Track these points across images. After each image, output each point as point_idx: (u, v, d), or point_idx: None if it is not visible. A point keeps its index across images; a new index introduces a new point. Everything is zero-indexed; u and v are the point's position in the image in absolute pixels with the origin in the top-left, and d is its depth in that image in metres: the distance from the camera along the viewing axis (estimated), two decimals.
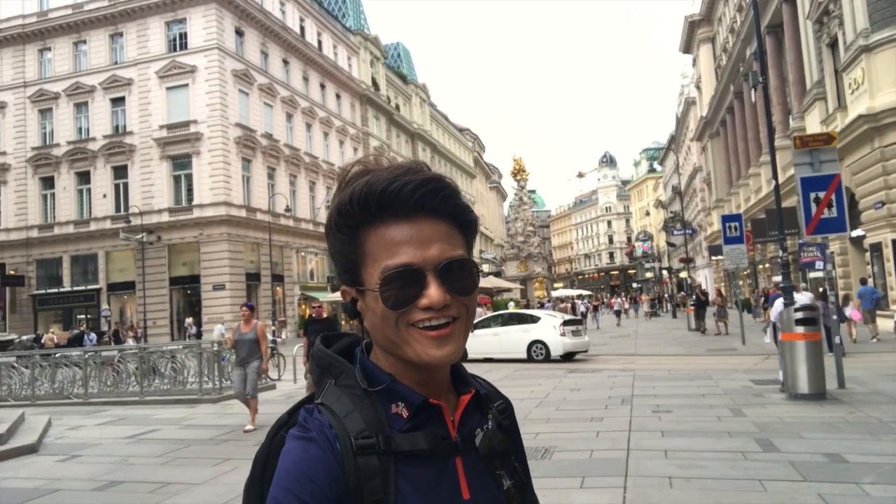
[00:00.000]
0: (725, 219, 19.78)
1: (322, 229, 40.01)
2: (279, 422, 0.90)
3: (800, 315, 9.08)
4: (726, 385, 10.72)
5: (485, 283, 37.05)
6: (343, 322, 21.39)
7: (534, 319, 17.57)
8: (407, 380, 0.88)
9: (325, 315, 9.93)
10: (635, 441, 6.99)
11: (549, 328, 16.76)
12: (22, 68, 36.03)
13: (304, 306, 38.85)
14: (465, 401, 0.92)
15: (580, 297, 49.48)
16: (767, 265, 33.78)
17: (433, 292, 0.83)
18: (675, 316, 38.05)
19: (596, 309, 30.71)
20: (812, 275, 22.41)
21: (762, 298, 22.93)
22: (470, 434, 0.91)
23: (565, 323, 16.89)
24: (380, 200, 0.83)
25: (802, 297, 10.54)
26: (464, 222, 0.90)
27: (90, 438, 9.11)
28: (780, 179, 12.08)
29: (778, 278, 27.58)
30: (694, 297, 26.87)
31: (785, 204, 18.08)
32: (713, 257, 45.26)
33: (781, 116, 28.00)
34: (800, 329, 9.04)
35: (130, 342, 25.41)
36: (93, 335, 25.48)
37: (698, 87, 52.93)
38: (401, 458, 0.83)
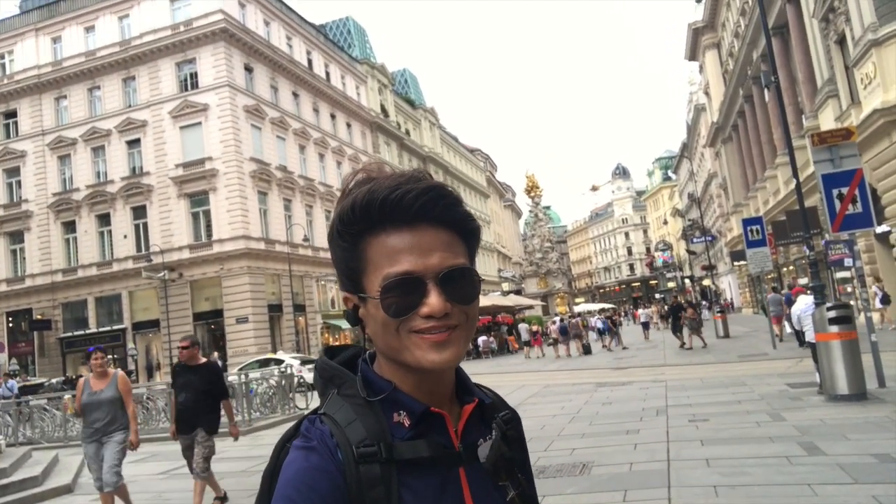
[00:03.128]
0: (746, 222, 19.57)
1: None
2: (285, 435, 0.90)
3: (833, 314, 8.90)
4: (762, 390, 10.51)
5: (506, 301, 36.95)
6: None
7: (278, 362, 18.71)
8: (408, 387, 0.88)
9: (201, 360, 6.59)
10: (675, 451, 6.84)
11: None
12: (40, 117, 36.84)
13: (326, 335, 38.93)
14: (468, 410, 0.92)
15: (590, 312, 48.86)
16: (791, 267, 33.32)
17: (434, 300, 0.83)
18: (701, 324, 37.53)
19: (615, 324, 29.70)
20: (839, 274, 22.04)
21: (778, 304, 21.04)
22: (473, 444, 0.90)
23: (304, 363, 17.74)
24: (381, 208, 0.84)
25: (808, 300, 10.20)
26: (466, 231, 0.90)
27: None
28: (800, 179, 11.91)
29: (804, 280, 27.20)
30: (667, 307, 25.89)
31: (805, 203, 17.89)
32: (735, 263, 44.74)
33: (794, 117, 27.77)
34: (834, 328, 8.85)
35: None
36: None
37: (707, 94, 52.81)
38: (403, 467, 0.83)
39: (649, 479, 5.92)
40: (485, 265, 72.61)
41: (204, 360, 6.74)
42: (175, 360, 31.31)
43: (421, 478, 0.84)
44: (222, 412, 6.88)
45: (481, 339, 30.55)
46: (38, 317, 34.79)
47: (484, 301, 33.83)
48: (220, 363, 29.44)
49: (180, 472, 9.01)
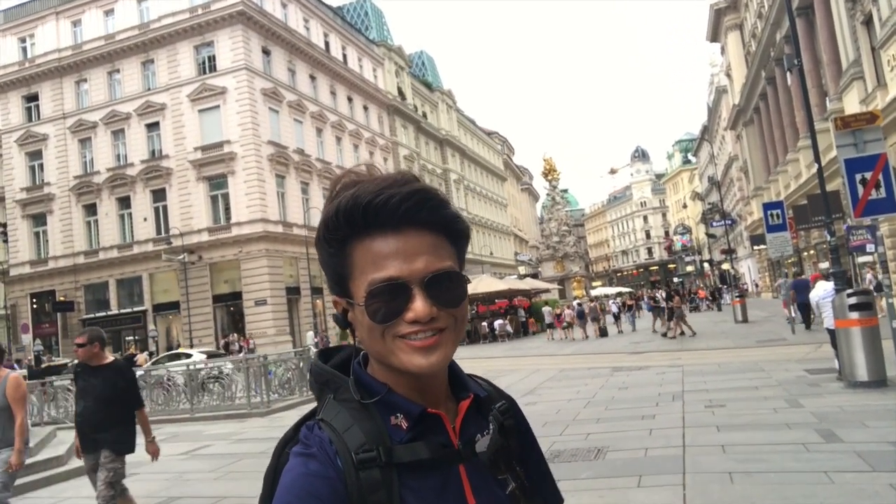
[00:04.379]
0: (767, 206, 19.29)
1: None
2: (284, 438, 0.91)
3: (854, 300, 8.81)
4: (780, 376, 10.44)
5: (522, 284, 36.93)
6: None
7: (187, 356, 19.01)
8: (402, 388, 0.88)
9: (106, 359, 5.16)
10: (690, 437, 6.84)
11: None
12: (61, 100, 37.19)
13: None
14: (464, 406, 0.93)
15: (607, 296, 48.60)
16: (812, 252, 32.91)
17: (419, 306, 0.82)
18: (719, 309, 37.33)
19: (630, 308, 29.76)
20: (861, 259, 21.75)
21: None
22: (471, 440, 0.90)
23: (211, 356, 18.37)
24: (365, 213, 0.83)
25: (827, 286, 10.08)
26: (454, 232, 0.89)
27: (146, 456, 9.25)
28: (822, 163, 11.72)
29: (825, 264, 26.87)
30: (661, 294, 25.51)
31: (827, 188, 17.61)
32: (755, 247, 44.26)
33: (817, 99, 27.28)
34: (854, 315, 8.75)
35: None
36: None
37: (728, 75, 51.98)
38: (403, 469, 0.83)
39: (664, 465, 5.92)
40: (501, 248, 72.50)
41: (110, 358, 5.24)
42: (192, 342, 31.73)
43: (422, 478, 0.85)
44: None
45: (497, 323, 30.59)
46: (61, 298, 35.36)
47: (500, 285, 33.88)
48: (237, 345, 29.73)
49: (200, 453, 9.19)
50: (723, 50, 53.37)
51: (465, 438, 0.90)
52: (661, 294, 25.33)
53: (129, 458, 9.40)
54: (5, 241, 39.00)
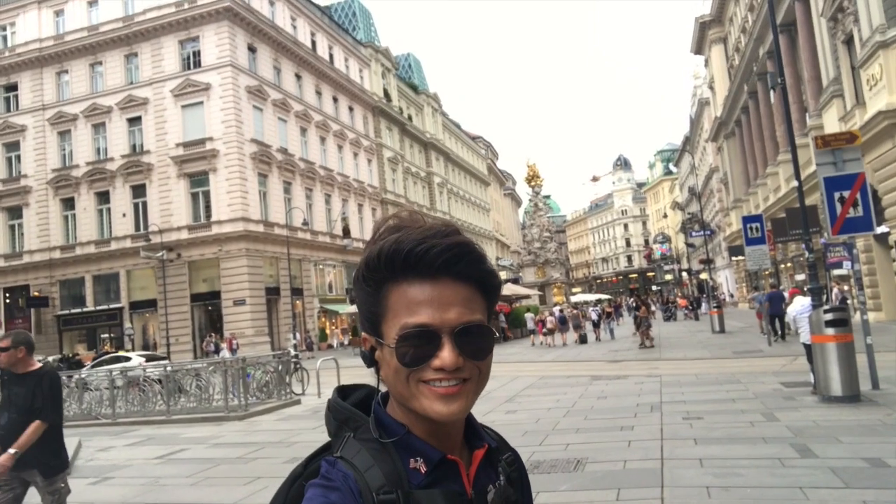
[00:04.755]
0: (746, 220, 19.61)
1: (339, 241, 40.27)
2: (294, 474, 0.92)
3: (830, 316, 8.94)
4: (756, 388, 10.57)
5: (503, 290, 36.94)
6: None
7: (126, 359, 19.33)
8: (421, 431, 0.90)
9: (33, 366, 4.46)
10: (668, 450, 6.89)
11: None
12: (41, 91, 36.62)
13: (323, 319, 38.97)
14: (478, 456, 0.95)
15: (587, 303, 49.11)
16: (790, 264, 33.39)
17: (446, 355, 0.85)
18: (697, 318, 37.69)
19: (609, 315, 30.12)
20: (836, 271, 22.10)
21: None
22: (483, 489, 0.93)
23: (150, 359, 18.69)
24: (406, 260, 0.86)
25: (804, 301, 10.31)
26: (488, 287, 0.92)
27: (120, 460, 9.17)
28: (801, 178, 11.90)
29: (801, 276, 27.24)
30: (633, 303, 25.88)
31: (806, 202, 17.86)
32: (733, 258, 44.82)
33: (798, 115, 27.69)
34: (830, 331, 8.89)
35: (226, 354, 25.06)
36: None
37: (711, 88, 52.60)
38: None
39: (643, 478, 5.97)
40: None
41: (38, 365, 4.55)
42: (172, 340, 31.34)
43: None
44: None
45: None
46: (36, 294, 34.80)
47: None
48: (212, 346, 29.38)
49: (176, 458, 9.08)
50: (706, 62, 54.00)
51: (478, 487, 0.92)
52: (631, 302, 25.58)
53: (105, 461, 9.32)
54: None
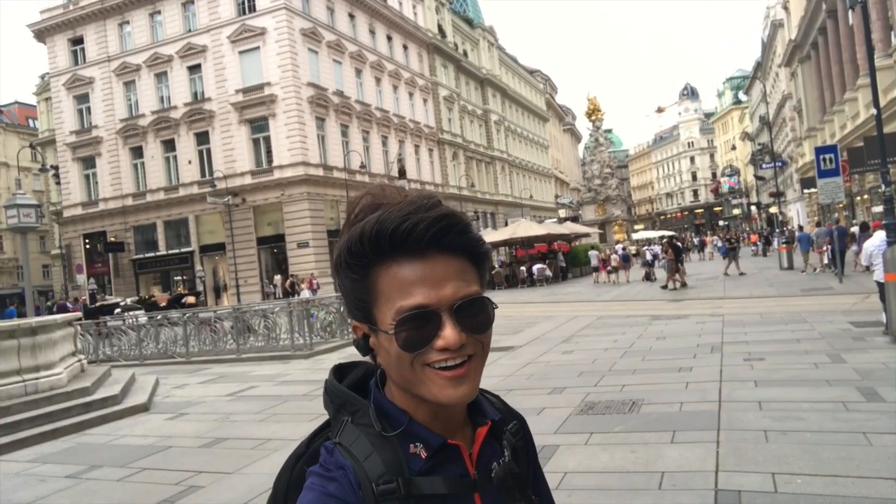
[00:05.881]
0: (819, 150, 18.57)
1: (396, 183, 40.41)
2: (297, 453, 0.91)
3: None
4: (823, 328, 10.24)
5: (561, 228, 36.65)
6: None
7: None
8: (422, 414, 0.88)
9: None
10: (727, 392, 6.81)
11: None
12: (105, 43, 37.48)
13: None
14: (482, 434, 0.93)
15: (649, 240, 47.37)
16: (866, 196, 31.70)
17: (449, 333, 0.82)
18: (765, 255, 36.52)
19: (678, 255, 29.21)
20: None
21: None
22: (487, 467, 0.91)
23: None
24: (391, 239, 0.82)
25: (883, 236, 9.79)
26: (477, 255, 0.88)
27: (194, 396, 9.73)
28: (882, 103, 11.15)
29: (878, 209, 25.88)
30: (664, 244, 25.39)
31: (886, 129, 16.81)
32: (805, 190, 42.84)
33: (882, 34, 25.73)
34: None
35: (306, 294, 25.60)
36: None
37: (786, 8, 49.27)
38: (420, 501, 0.84)
39: (699, 421, 5.93)
40: (541, 191, 71.73)
41: None
42: (240, 282, 32.53)
43: None
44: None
45: (536, 267, 30.56)
46: (112, 239, 36.54)
47: (539, 229, 33.70)
48: (271, 287, 30.23)
49: (246, 395, 9.56)
50: None
51: (482, 466, 0.91)
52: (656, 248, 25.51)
53: (180, 398, 9.93)
54: (58, 184, 40.26)
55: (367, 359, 0.92)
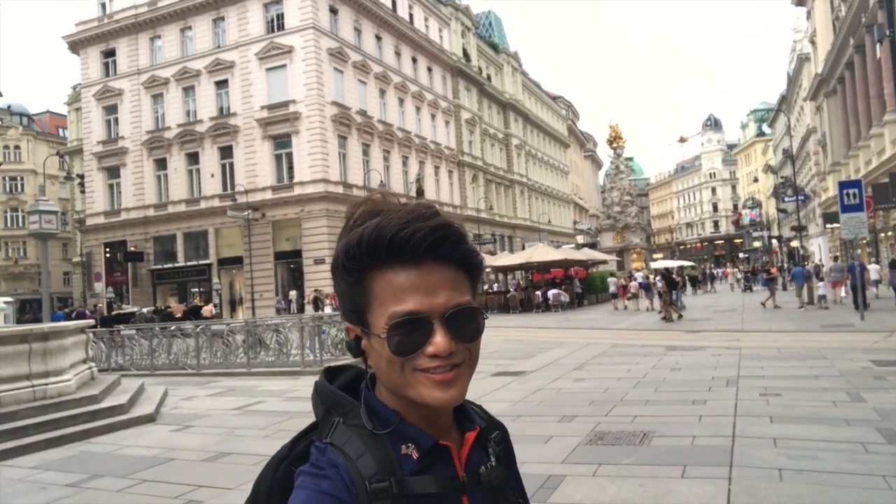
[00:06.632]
0: (843, 185, 18.35)
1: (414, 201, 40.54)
2: (279, 455, 0.92)
3: None
4: (843, 366, 9.99)
5: (578, 254, 36.42)
6: None
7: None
8: (412, 417, 0.90)
9: None
10: (741, 427, 6.62)
11: None
12: (136, 56, 38.27)
13: None
14: (470, 438, 0.95)
15: (668, 269, 46.52)
16: (890, 233, 31.20)
17: (439, 340, 0.84)
18: (785, 288, 35.97)
19: (672, 287, 28.17)
20: None
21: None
22: (475, 471, 0.93)
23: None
24: (389, 247, 0.84)
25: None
26: (471, 266, 0.91)
27: (201, 409, 9.69)
28: None
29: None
30: (658, 278, 25.30)
31: None
32: (828, 225, 42.29)
33: None
34: None
35: (328, 309, 25.46)
36: None
37: (813, 42, 49.08)
38: (411, 501, 0.85)
39: (711, 456, 5.76)
40: (560, 216, 71.59)
41: None
42: (256, 296, 32.65)
43: None
44: None
45: (552, 293, 30.35)
46: (132, 249, 36.94)
47: (556, 254, 33.53)
48: (283, 303, 30.34)
49: (253, 409, 9.50)
50: (808, 14, 50.37)
51: (469, 470, 0.93)
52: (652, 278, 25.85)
53: (187, 409, 9.88)
54: (83, 192, 40.88)
55: (359, 361, 0.94)
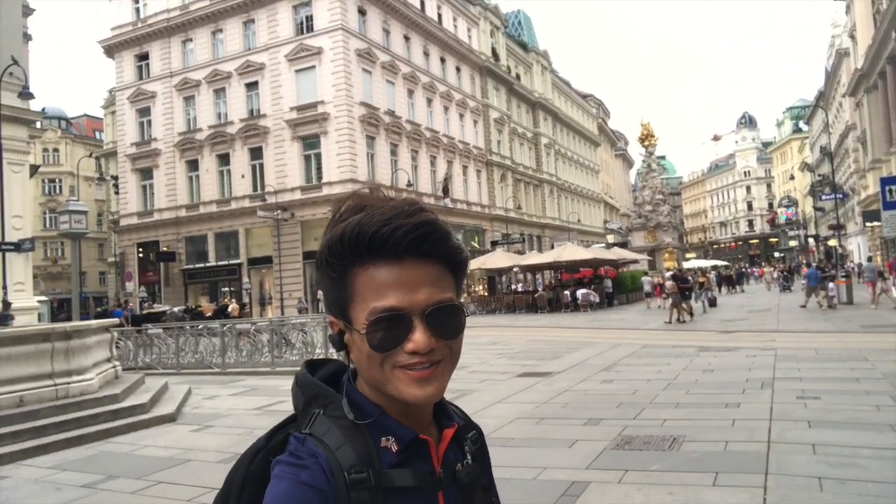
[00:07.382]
0: (885, 181, 17.68)
1: (443, 203, 40.45)
2: (255, 446, 0.90)
3: None
4: (885, 368, 9.53)
5: (608, 254, 35.87)
6: None
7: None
8: (393, 412, 0.89)
9: None
10: (777, 432, 6.29)
11: None
12: (168, 59, 38.83)
13: None
14: (448, 435, 0.95)
15: (701, 269, 45.38)
16: None
17: (419, 337, 0.84)
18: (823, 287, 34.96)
19: (701, 286, 26.35)
20: None
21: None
22: (451, 468, 0.93)
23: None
24: (370, 243, 0.84)
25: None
26: (455, 263, 0.90)
27: (222, 409, 9.62)
28: None
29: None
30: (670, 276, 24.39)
31: None
32: (867, 223, 41.05)
33: None
34: None
35: None
36: None
37: (852, 37, 47.73)
38: (389, 493, 0.85)
39: (745, 463, 5.46)
40: (590, 216, 70.84)
41: None
42: (285, 295, 32.84)
43: (404, 503, 0.87)
44: None
45: (581, 292, 29.90)
46: (164, 249, 37.46)
47: (585, 253, 33.07)
48: (303, 303, 30.44)
49: (273, 409, 9.41)
50: (848, 8, 49.00)
51: (445, 466, 0.92)
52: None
53: (209, 409, 9.83)
54: (116, 193, 41.61)
55: (341, 355, 0.93)
